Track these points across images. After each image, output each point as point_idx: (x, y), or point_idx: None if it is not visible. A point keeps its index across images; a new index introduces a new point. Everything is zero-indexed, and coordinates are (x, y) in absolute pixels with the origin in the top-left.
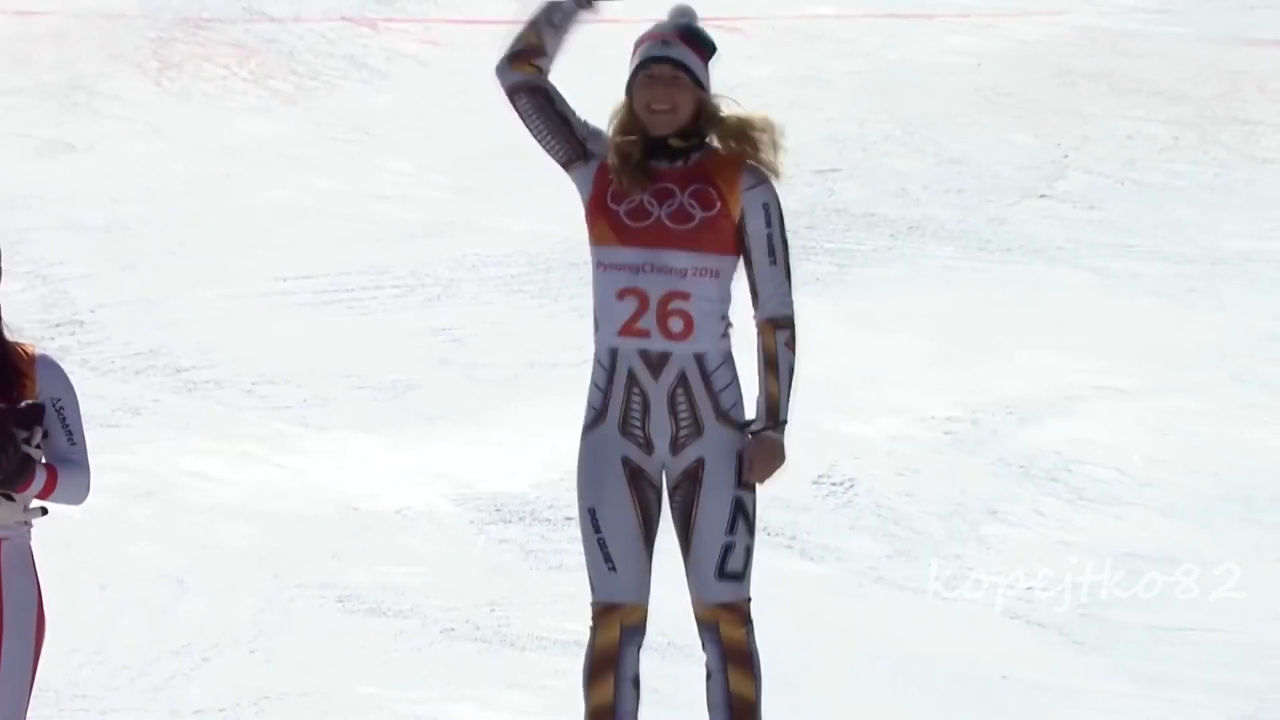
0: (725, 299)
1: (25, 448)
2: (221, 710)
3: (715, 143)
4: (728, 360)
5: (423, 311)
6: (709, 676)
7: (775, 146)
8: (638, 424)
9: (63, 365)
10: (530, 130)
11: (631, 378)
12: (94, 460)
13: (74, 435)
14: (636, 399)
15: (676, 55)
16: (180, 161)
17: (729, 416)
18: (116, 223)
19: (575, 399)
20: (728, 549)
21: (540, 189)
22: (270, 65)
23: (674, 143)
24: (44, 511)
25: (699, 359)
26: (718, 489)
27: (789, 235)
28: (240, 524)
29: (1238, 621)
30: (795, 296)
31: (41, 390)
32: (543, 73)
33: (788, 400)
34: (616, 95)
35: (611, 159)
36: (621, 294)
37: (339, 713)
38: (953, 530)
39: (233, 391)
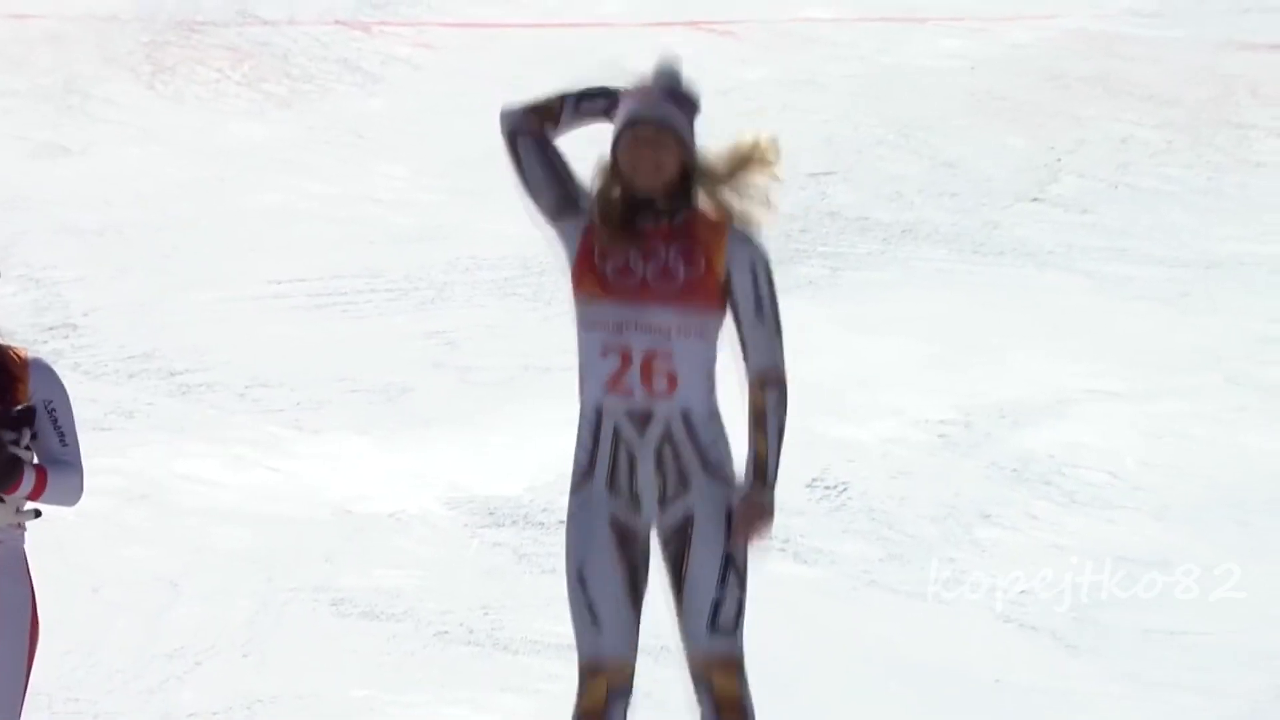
0: (711, 356)
1: (13, 449)
2: (215, 714)
3: (702, 201)
4: (714, 416)
5: (416, 315)
6: None
7: (769, 171)
8: (625, 481)
9: (56, 369)
10: (524, 175)
11: (617, 435)
12: (87, 464)
13: (66, 437)
14: (623, 456)
15: (662, 115)
16: (174, 165)
17: (717, 471)
18: (110, 226)
19: (569, 402)
20: (719, 603)
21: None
22: (264, 68)
23: (660, 204)
24: (38, 514)
25: (685, 415)
26: (708, 543)
27: (777, 295)
28: (234, 527)
29: (1232, 625)
30: (788, 300)
31: (34, 393)
32: (548, 139)
33: (777, 461)
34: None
35: (596, 216)
36: (605, 351)
37: (332, 716)
38: (946, 533)
39: (226, 395)
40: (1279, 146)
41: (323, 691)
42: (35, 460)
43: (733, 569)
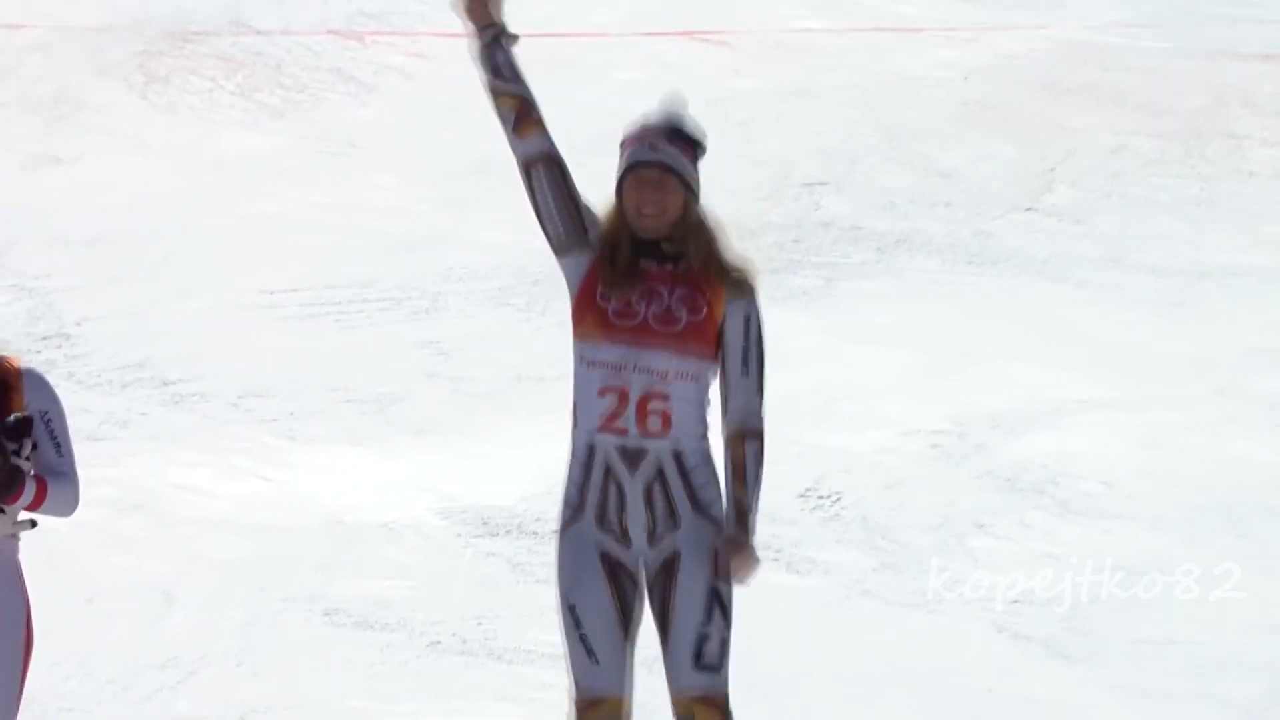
0: (705, 401)
1: (15, 460)
2: None
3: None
4: (707, 460)
5: (409, 324)
6: None
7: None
8: (614, 516)
9: (49, 378)
10: (538, 203)
11: (609, 471)
12: (82, 473)
13: (62, 448)
14: (613, 491)
15: (664, 158)
16: (167, 174)
17: (706, 510)
18: (103, 236)
19: (561, 412)
20: (704, 639)
21: (527, 202)
22: (257, 78)
23: (665, 247)
24: (33, 524)
25: (677, 456)
26: (694, 579)
27: (764, 335)
28: (227, 537)
29: (1225, 633)
30: (781, 310)
31: (29, 403)
32: (532, 106)
33: (756, 512)
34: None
35: (601, 254)
36: (603, 391)
37: None
38: (940, 543)
39: (219, 404)
40: (1271, 156)
41: (316, 701)
42: (33, 471)
43: (719, 606)
